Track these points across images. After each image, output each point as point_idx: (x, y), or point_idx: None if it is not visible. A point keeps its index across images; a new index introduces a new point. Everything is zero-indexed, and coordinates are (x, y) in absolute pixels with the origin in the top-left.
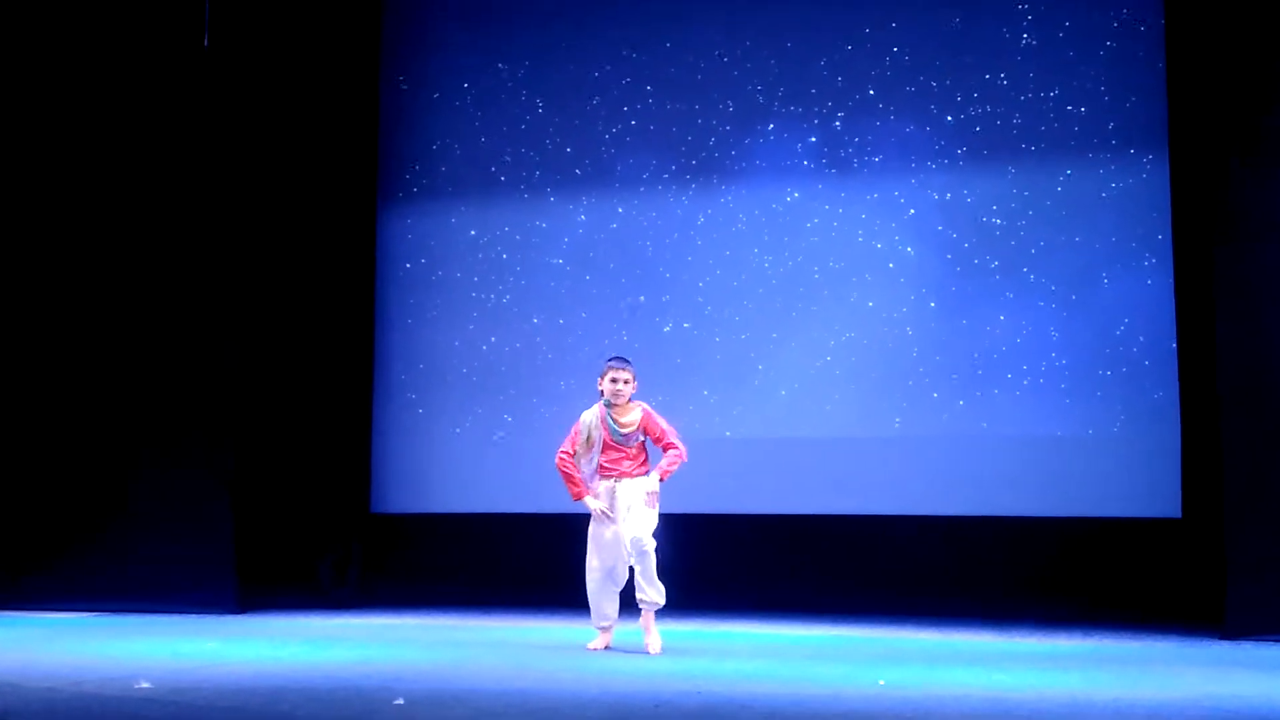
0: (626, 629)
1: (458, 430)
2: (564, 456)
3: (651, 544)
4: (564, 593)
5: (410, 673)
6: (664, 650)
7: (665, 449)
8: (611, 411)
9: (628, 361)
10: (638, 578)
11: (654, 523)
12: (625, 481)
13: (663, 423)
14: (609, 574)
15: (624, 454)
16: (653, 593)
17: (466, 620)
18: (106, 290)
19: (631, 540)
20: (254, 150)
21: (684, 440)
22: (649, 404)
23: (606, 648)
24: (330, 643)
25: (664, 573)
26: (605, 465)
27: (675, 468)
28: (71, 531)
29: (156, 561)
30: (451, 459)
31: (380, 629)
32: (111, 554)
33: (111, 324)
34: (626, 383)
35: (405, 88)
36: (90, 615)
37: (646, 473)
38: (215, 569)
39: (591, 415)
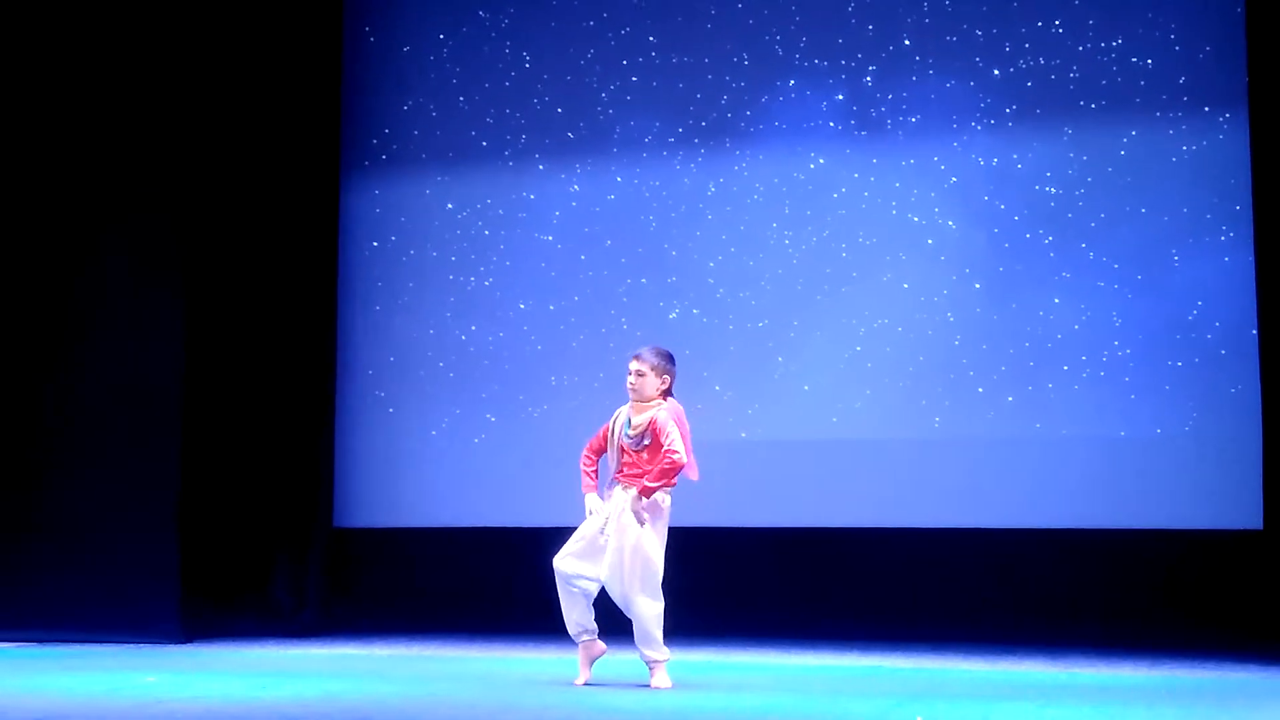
0: (624, 658)
1: (433, 433)
2: (585, 453)
3: (646, 605)
4: (556, 618)
5: (380, 710)
6: (672, 685)
7: (661, 456)
8: (630, 409)
9: (654, 351)
10: (635, 634)
11: (653, 568)
12: (630, 491)
13: (671, 428)
14: (569, 579)
15: (635, 461)
16: (650, 652)
17: (444, 649)
18: (27, 276)
19: (619, 598)
20: (196, 112)
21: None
22: (682, 407)
23: (589, 675)
24: (288, 676)
25: (670, 592)
26: (618, 474)
27: (667, 480)
28: None
29: (89, 584)
30: (426, 465)
31: (345, 659)
32: (36, 576)
33: (34, 314)
34: (640, 375)
35: (372, 40)
36: (11, 646)
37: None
38: (156, 592)
39: (620, 412)
